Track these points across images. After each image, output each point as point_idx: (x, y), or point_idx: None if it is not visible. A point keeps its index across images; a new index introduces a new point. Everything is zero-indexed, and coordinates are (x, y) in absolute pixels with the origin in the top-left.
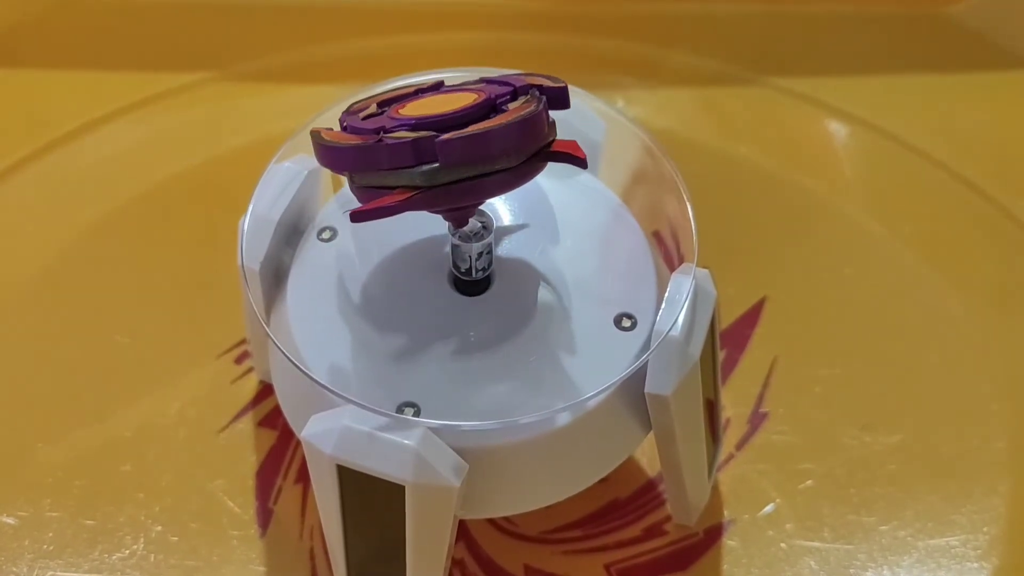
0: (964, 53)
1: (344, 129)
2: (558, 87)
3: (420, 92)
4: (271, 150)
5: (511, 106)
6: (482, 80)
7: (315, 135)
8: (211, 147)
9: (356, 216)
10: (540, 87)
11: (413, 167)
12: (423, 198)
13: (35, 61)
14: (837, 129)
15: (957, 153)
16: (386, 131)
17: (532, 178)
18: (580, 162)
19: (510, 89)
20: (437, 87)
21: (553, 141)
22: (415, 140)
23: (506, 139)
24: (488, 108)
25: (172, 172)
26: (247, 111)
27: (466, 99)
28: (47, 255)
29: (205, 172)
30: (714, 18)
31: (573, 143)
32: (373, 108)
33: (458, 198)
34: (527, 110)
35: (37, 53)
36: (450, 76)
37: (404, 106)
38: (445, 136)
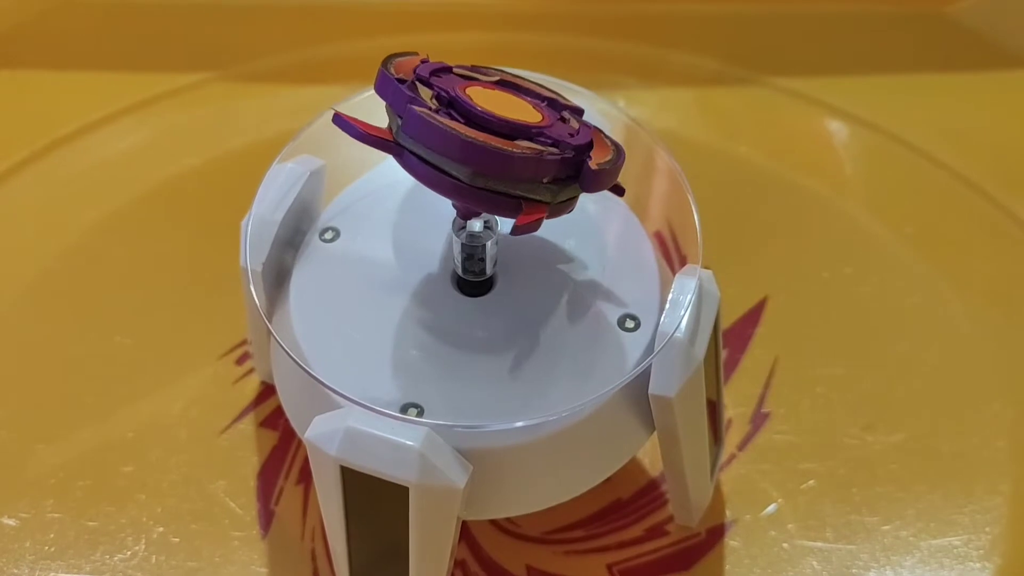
0: (963, 52)
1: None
2: (590, 167)
3: (524, 91)
4: (272, 151)
5: (523, 143)
6: (590, 126)
7: (389, 58)
8: (212, 148)
9: (335, 118)
10: (580, 158)
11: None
12: (386, 145)
13: (36, 62)
14: (837, 129)
15: (957, 152)
16: (423, 83)
17: (485, 209)
18: (512, 227)
19: (569, 139)
20: (563, 108)
21: (534, 202)
22: (412, 98)
23: (449, 146)
24: (518, 132)
25: (173, 173)
26: (248, 112)
27: (526, 115)
28: (48, 256)
29: (206, 173)
30: (714, 18)
31: (539, 218)
32: (471, 73)
33: (408, 167)
34: (508, 146)
35: (38, 54)
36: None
37: (483, 88)
38: (414, 107)
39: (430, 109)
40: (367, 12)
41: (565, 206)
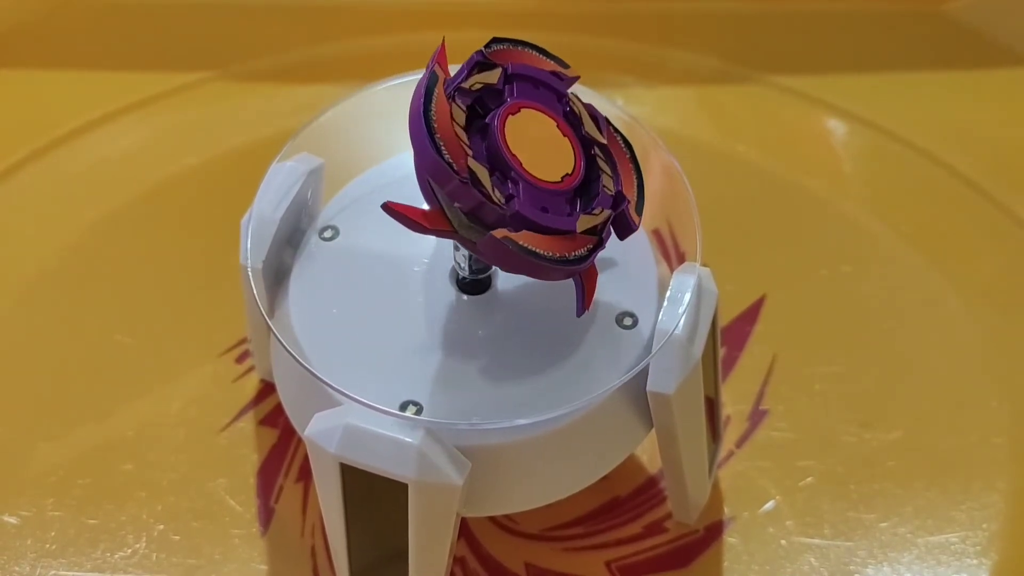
0: (962, 50)
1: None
2: (493, 232)
3: (611, 165)
4: (271, 149)
5: (477, 165)
6: (592, 239)
7: (508, 43)
8: (212, 147)
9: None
10: (507, 223)
11: None
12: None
13: (36, 61)
14: (836, 127)
15: (955, 150)
16: (507, 80)
17: (420, 188)
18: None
19: (539, 211)
20: (619, 207)
21: (442, 213)
22: (464, 69)
23: (412, 112)
24: (499, 165)
25: (173, 171)
26: (247, 111)
27: (543, 166)
28: (48, 255)
29: (206, 172)
30: (713, 17)
31: (414, 220)
32: (582, 111)
33: None
34: (444, 148)
35: (38, 53)
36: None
37: (552, 124)
38: (436, 70)
39: (457, 88)
40: (367, 12)
41: (475, 247)
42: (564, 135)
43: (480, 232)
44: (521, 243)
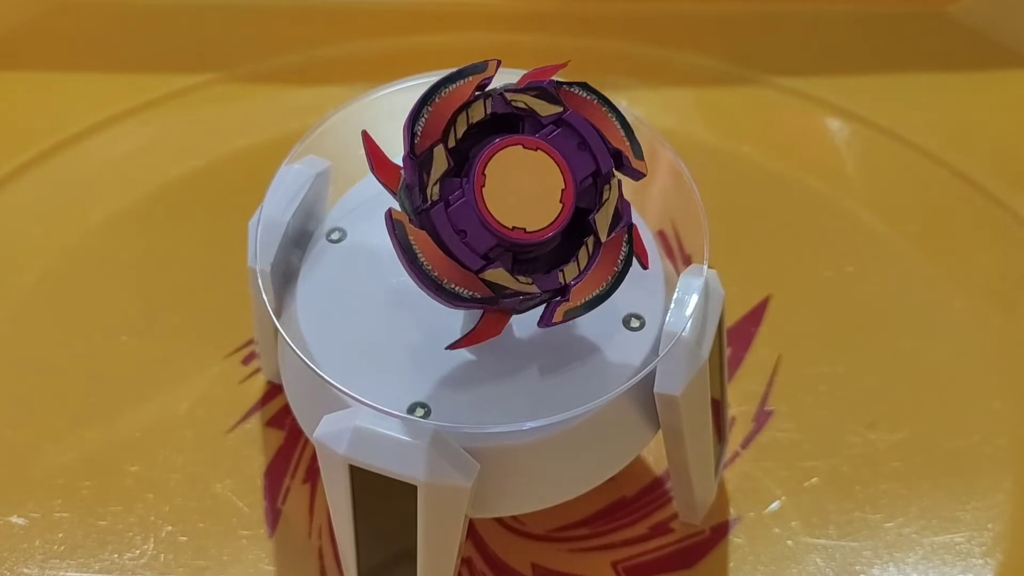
0: (964, 51)
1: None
2: (395, 216)
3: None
4: (277, 151)
5: (441, 152)
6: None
7: (559, 82)
8: (217, 148)
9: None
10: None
11: None
12: None
13: (40, 63)
14: (839, 128)
15: (958, 151)
16: (551, 126)
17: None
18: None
19: (462, 233)
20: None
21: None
22: (490, 82)
23: (404, 128)
24: (464, 166)
25: (178, 173)
26: (252, 112)
27: (519, 206)
28: (54, 257)
29: (211, 173)
30: (716, 18)
31: (373, 162)
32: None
33: None
34: (413, 139)
35: (42, 55)
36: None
37: (551, 165)
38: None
39: (501, 94)
40: (373, 14)
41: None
42: (562, 202)
43: (404, 205)
44: (408, 235)
